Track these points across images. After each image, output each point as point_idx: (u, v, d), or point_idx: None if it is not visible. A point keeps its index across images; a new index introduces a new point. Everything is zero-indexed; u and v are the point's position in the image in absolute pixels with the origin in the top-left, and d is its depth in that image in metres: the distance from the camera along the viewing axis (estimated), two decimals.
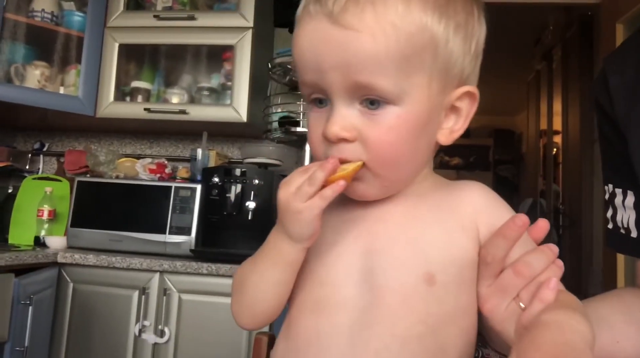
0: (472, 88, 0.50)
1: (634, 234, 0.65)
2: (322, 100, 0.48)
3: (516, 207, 4.60)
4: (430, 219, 0.50)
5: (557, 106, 3.45)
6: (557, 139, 3.55)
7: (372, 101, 0.46)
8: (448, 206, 0.51)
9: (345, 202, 0.52)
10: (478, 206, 0.51)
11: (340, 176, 0.46)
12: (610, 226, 0.69)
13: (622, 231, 0.67)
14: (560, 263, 0.47)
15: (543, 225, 0.49)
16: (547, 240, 0.52)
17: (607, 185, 0.69)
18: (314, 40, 0.46)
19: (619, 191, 0.67)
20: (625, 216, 0.66)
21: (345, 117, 0.46)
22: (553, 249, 0.47)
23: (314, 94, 0.49)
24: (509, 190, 5.17)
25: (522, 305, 0.46)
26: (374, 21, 0.43)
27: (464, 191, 0.52)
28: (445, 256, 0.48)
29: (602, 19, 2.15)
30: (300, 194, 0.46)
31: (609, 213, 0.69)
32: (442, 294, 0.47)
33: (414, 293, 0.47)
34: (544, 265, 0.46)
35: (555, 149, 3.62)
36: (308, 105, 0.51)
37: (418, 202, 0.51)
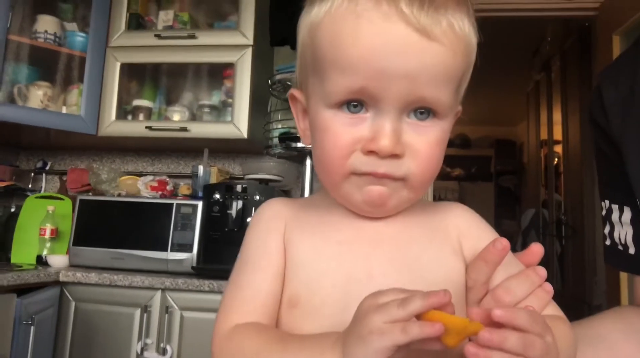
0: (460, 107, 0.51)
1: (631, 250, 0.64)
2: (356, 105, 0.44)
3: (518, 217, 4.58)
4: (424, 241, 0.49)
5: (557, 116, 3.46)
6: (558, 148, 3.55)
7: (423, 111, 0.44)
8: (437, 228, 0.50)
9: (332, 222, 0.50)
10: (461, 229, 0.50)
11: (441, 317, 0.35)
12: (608, 242, 0.68)
13: (620, 247, 0.66)
14: (548, 287, 0.46)
15: (537, 250, 0.47)
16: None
17: (604, 201, 0.69)
18: (389, 44, 0.41)
19: (615, 207, 0.66)
20: (622, 232, 0.65)
21: (397, 131, 0.43)
22: (540, 272, 0.46)
23: (350, 98, 0.44)
24: (511, 200, 5.15)
25: None
26: (453, 36, 0.42)
27: (447, 214, 0.52)
28: (443, 279, 0.47)
29: (598, 31, 2.17)
30: (383, 312, 0.36)
31: (607, 230, 0.68)
32: None
33: None
34: (527, 290, 0.45)
35: (556, 159, 3.62)
36: (330, 109, 0.45)
37: (408, 222, 0.50)
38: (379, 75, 0.42)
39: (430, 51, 0.41)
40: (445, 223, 0.51)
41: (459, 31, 0.43)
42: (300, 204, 0.54)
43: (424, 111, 0.44)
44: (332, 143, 0.45)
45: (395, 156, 0.43)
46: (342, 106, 0.44)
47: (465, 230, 0.50)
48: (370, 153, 0.43)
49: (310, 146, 0.50)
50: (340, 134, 0.44)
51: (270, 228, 0.51)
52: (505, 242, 0.45)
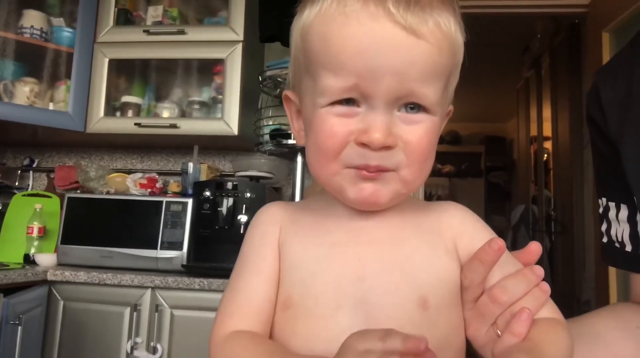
0: (451, 106, 0.52)
1: (628, 248, 0.64)
2: (348, 101, 0.45)
3: (508, 213, 4.61)
4: (416, 241, 0.49)
5: (547, 113, 3.48)
6: (548, 145, 3.58)
7: (413, 106, 0.45)
8: (430, 228, 0.50)
9: (326, 224, 0.50)
10: (456, 229, 0.50)
11: None
12: (604, 240, 0.69)
13: (617, 245, 0.66)
14: (545, 286, 0.46)
15: (535, 249, 0.47)
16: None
17: (601, 198, 0.69)
18: (378, 43, 0.42)
19: (612, 204, 0.67)
20: (619, 229, 0.66)
21: (388, 124, 0.44)
22: (537, 272, 0.46)
23: (342, 98, 0.45)
24: (501, 197, 5.19)
25: (499, 332, 0.45)
26: (440, 34, 0.44)
27: (442, 213, 0.52)
28: (435, 279, 0.47)
29: (588, 28, 2.18)
30: None
31: (604, 227, 0.69)
32: (436, 317, 0.46)
33: (410, 319, 0.45)
34: (524, 289, 0.45)
35: (545, 155, 3.65)
36: (323, 107, 0.46)
37: (401, 222, 0.50)
38: (369, 73, 0.43)
39: (418, 48, 0.43)
40: (439, 223, 0.51)
41: (445, 29, 0.44)
42: (296, 208, 0.54)
43: (413, 106, 0.45)
44: (326, 134, 0.46)
45: (387, 147, 0.44)
46: (335, 103, 0.46)
47: (460, 229, 0.51)
48: (363, 145, 0.44)
49: (303, 145, 0.51)
50: (335, 125, 0.45)
51: (265, 232, 0.52)
52: (501, 242, 0.45)
